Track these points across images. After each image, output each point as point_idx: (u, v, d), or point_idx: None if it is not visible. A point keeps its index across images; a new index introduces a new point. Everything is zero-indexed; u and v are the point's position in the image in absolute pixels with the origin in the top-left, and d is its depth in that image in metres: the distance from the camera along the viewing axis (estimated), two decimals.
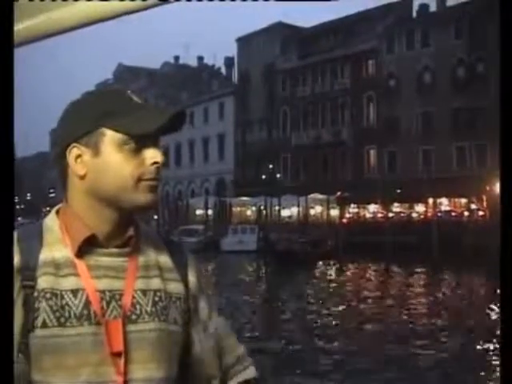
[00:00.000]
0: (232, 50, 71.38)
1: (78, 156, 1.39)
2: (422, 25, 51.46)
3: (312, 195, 50.04)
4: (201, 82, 76.86)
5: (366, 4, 79.76)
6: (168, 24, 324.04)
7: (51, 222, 1.46)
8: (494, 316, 19.65)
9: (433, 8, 55.07)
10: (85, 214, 1.42)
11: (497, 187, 37.32)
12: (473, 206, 42.11)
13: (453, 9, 51.20)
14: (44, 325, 1.34)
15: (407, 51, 51.56)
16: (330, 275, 33.68)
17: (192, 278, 1.54)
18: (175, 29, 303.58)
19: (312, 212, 52.81)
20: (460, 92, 46.95)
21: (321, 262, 37.80)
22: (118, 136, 1.38)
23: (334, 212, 49.01)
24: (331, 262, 37.93)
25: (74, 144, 1.39)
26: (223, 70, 78.91)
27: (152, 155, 1.39)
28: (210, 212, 58.39)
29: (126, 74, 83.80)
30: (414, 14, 56.13)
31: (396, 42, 52.48)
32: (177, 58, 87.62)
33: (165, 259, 1.51)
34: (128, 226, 1.45)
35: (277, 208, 53.00)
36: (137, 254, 1.46)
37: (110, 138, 1.38)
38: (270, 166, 57.92)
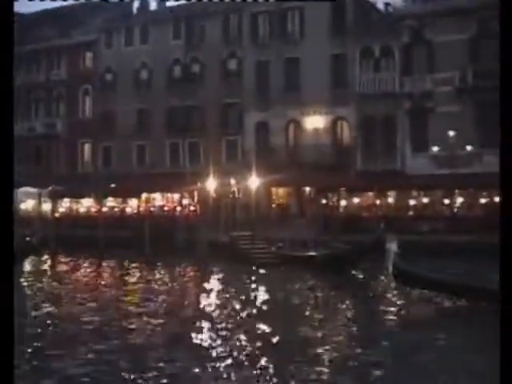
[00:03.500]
0: None
1: None
2: (141, 22, 51.71)
3: (23, 189, 47.90)
4: None
5: None
6: None
7: None
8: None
9: (153, 7, 55.68)
10: None
11: (207, 183, 38.55)
12: (184, 202, 43.22)
13: (172, 9, 52.32)
14: None
15: (126, 47, 51.52)
16: (42, 269, 32.74)
17: None
18: None
19: (23, 206, 50.62)
20: (175, 90, 48.11)
21: (32, 257, 36.41)
22: None
23: (47, 206, 47.42)
24: (43, 257, 36.76)
25: None
26: None
27: None
28: None
29: None
30: (135, 11, 56.31)
31: (115, 37, 52.18)
32: None
33: None
34: None
35: None
36: None
37: None
38: None
